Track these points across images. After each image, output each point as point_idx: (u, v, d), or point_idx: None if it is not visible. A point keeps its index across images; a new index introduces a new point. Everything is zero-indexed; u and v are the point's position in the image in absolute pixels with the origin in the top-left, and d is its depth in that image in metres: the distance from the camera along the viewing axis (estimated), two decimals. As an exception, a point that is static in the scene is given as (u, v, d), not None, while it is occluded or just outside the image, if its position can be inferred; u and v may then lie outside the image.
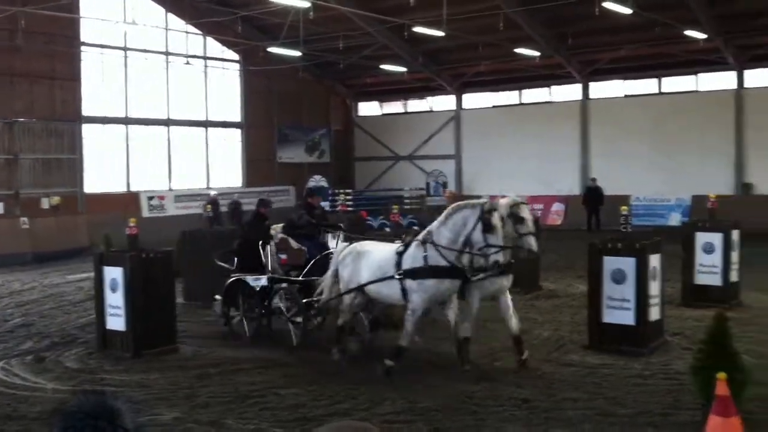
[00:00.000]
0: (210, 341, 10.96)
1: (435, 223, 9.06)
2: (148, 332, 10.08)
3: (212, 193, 27.54)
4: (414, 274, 8.77)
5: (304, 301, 10.35)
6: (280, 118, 32.53)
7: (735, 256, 12.41)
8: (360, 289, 9.35)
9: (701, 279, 12.30)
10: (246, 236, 11.57)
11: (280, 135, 32.81)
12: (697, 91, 28.23)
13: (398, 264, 8.93)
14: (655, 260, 9.74)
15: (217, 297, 11.35)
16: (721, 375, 6.37)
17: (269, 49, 27.35)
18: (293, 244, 11.03)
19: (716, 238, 12.23)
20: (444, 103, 34.23)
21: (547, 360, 9.36)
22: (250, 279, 10.87)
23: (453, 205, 9.31)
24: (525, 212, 9.07)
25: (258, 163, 31.57)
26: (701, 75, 28.08)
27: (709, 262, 12.23)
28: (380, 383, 8.52)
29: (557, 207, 29.54)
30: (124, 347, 10.05)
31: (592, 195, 26.73)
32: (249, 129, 31.79)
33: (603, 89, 30.34)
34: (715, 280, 12.19)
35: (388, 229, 13.61)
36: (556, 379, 8.50)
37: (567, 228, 27.37)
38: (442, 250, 8.71)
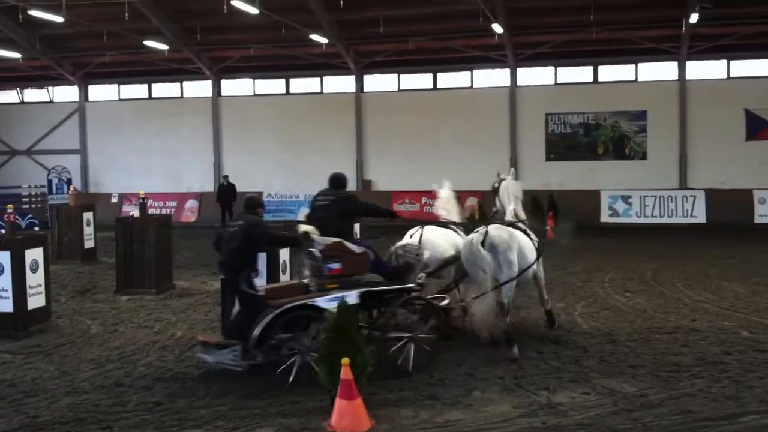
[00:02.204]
0: None
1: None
2: None
3: None
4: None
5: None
6: None
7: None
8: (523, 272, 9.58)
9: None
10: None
11: None
12: (322, 93, 29.92)
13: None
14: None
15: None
16: (345, 360, 6.79)
17: None
18: (352, 247, 8.67)
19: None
20: (67, 94, 32.06)
21: (180, 360, 9.19)
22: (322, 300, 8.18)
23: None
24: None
25: None
26: (326, 78, 29.83)
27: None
28: (-5, 400, 7.70)
29: (191, 204, 29.38)
30: None
31: (225, 192, 26.99)
32: None
33: (234, 87, 30.76)
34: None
35: (2, 231, 12.39)
36: (189, 379, 8.37)
37: (201, 225, 27.37)
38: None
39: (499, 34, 25.18)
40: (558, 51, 26.85)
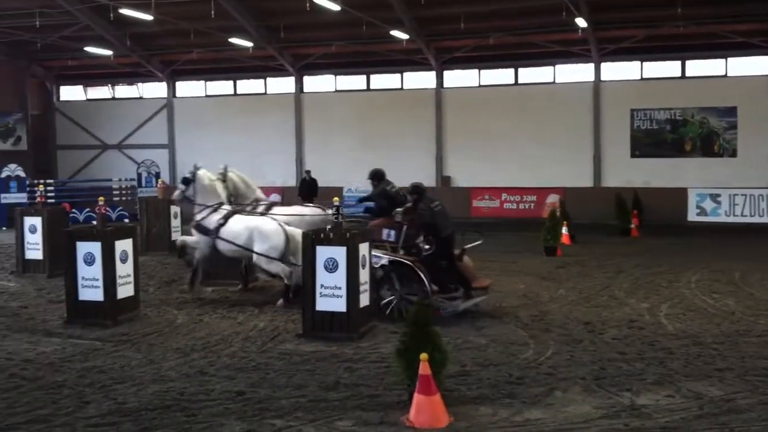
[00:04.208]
0: None
1: None
2: None
3: None
4: None
5: None
6: (-33, 99, 29.23)
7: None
8: None
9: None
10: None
11: (-34, 119, 29.49)
12: (401, 89, 29.97)
13: None
14: (363, 249, 10.15)
15: None
16: (423, 355, 6.80)
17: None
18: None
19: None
20: (155, 90, 32.98)
21: (262, 351, 9.37)
22: None
23: None
24: None
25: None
26: (406, 74, 29.86)
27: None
28: (85, 386, 8.00)
29: (273, 198, 29.78)
30: None
31: (307, 186, 27.31)
32: (-71, 111, 28.21)
33: (316, 83, 31.10)
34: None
35: (94, 222, 12.88)
36: (270, 370, 8.53)
37: (282, 219, 27.76)
38: None
39: (582, 29, 24.73)
40: (643, 45, 26.19)
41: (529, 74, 28.48)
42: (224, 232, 12.41)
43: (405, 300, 10.68)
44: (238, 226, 12.38)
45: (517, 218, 25.83)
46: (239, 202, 13.32)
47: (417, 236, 11.26)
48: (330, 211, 11.74)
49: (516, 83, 28.61)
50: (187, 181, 13.25)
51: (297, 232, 11.74)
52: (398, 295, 10.86)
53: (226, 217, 12.56)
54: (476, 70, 29.02)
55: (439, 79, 29.17)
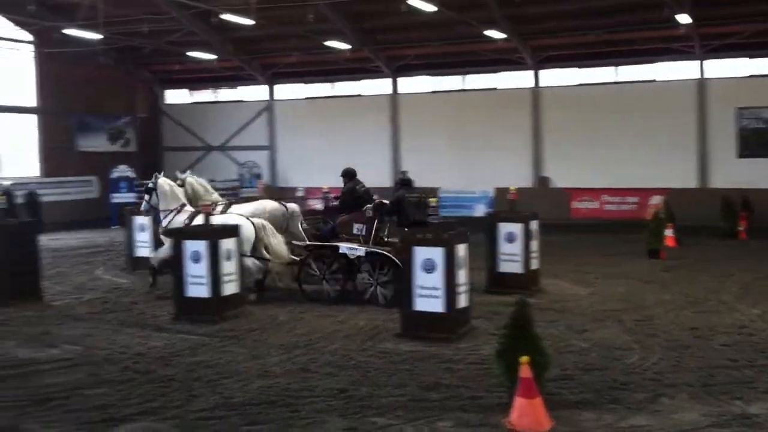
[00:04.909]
0: (5, 342, 10.20)
1: None
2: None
3: (5, 183, 25.55)
4: None
5: None
6: (80, 104, 30.63)
7: (534, 245, 13.18)
8: None
9: (504, 267, 12.96)
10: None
11: (79, 122, 30.96)
12: (497, 89, 29.75)
13: None
14: (461, 250, 10.14)
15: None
16: (524, 358, 6.75)
17: (65, 31, 25.65)
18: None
19: (517, 228, 12.92)
20: (256, 93, 33.80)
21: (362, 349, 9.49)
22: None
23: None
24: None
25: (56, 151, 29.61)
26: (501, 73, 29.64)
27: (511, 251, 12.92)
28: (193, 380, 8.29)
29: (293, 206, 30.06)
30: None
31: (403, 187, 27.43)
32: (45, 115, 29.72)
33: (411, 84, 31.22)
34: (517, 268, 12.89)
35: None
36: (371, 368, 8.63)
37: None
38: None
39: (684, 25, 23.95)
40: (751, 42, 25.14)
41: (630, 72, 27.77)
42: None
43: (381, 285, 12.14)
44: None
45: (619, 220, 25.23)
46: (198, 205, 13.69)
47: (383, 230, 12.85)
48: (291, 206, 14.12)
49: (615, 82, 27.97)
50: (149, 191, 14.16)
51: (264, 223, 13.07)
52: (375, 281, 12.22)
53: (191, 217, 13.31)
54: (574, 69, 28.52)
55: (536, 78, 28.80)
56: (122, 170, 29.10)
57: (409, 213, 12.50)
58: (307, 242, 13.27)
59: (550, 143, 28.46)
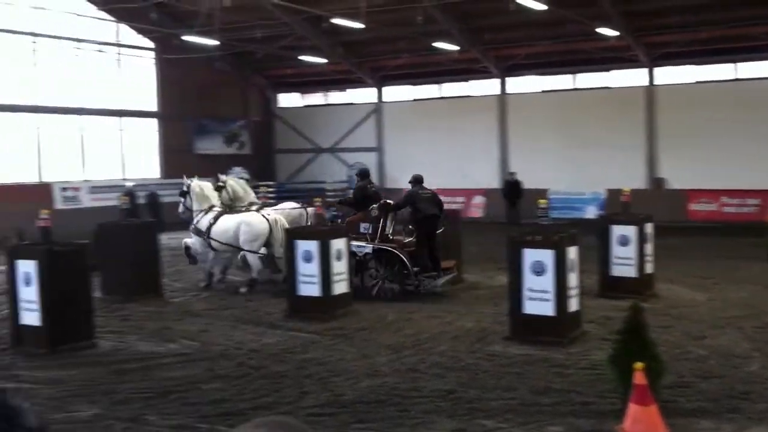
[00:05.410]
0: (128, 336, 10.71)
1: None
2: (64, 327, 9.77)
3: (128, 184, 26.78)
4: None
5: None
6: (197, 108, 31.87)
7: (649, 248, 12.81)
8: None
9: (617, 270, 12.65)
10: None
11: (197, 126, 32.18)
12: (609, 88, 29.03)
13: None
14: (572, 252, 9.97)
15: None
16: (638, 365, 6.57)
17: (184, 38, 26.74)
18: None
19: (631, 231, 12.59)
20: (365, 95, 34.22)
21: (471, 351, 9.48)
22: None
23: None
24: None
25: (175, 154, 30.86)
26: (614, 72, 28.91)
27: (625, 254, 12.59)
28: (304, 376, 8.49)
29: (478, 200, 29.98)
30: (38, 343, 9.70)
31: (512, 188, 27.22)
32: (165, 119, 31.07)
33: (520, 84, 30.88)
34: (630, 272, 12.55)
35: (339, 221, 14.14)
36: (479, 370, 8.61)
37: (487, 220, 27.82)
38: None
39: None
40: None
41: (749, 69, 26.57)
42: (214, 230, 14.08)
43: (388, 281, 12.95)
44: (228, 222, 14.11)
45: (738, 222, 24.18)
46: (237, 205, 15.07)
47: (388, 227, 13.46)
48: (311, 210, 14.56)
49: (735, 79, 26.80)
50: (183, 194, 15.23)
51: (280, 219, 14.10)
52: (381, 278, 12.98)
53: (216, 218, 14.28)
54: (690, 66, 27.50)
55: (650, 76, 27.94)
56: (237, 172, 29.98)
57: (421, 207, 13.28)
58: None
59: (665, 143, 27.54)
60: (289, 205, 15.67)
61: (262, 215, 14.18)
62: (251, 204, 15.24)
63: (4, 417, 1.49)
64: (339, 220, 14.08)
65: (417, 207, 13.31)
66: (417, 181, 14.12)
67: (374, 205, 13.42)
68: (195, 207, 14.85)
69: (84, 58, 28.13)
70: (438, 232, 13.58)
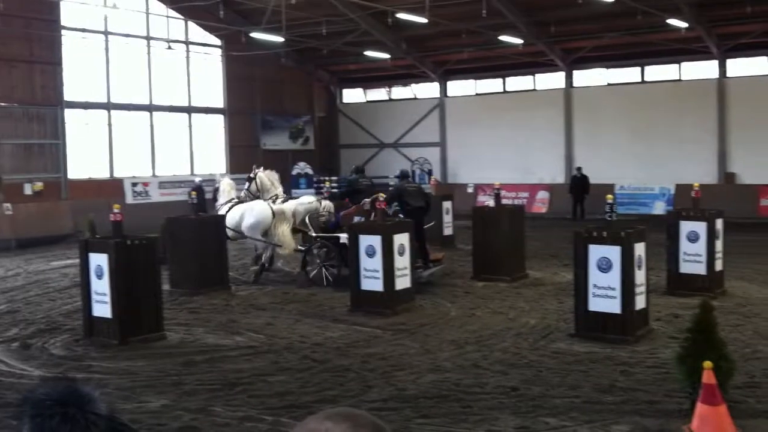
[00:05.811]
0: (195, 329, 10.94)
1: None
2: (135, 319, 10.05)
3: (197, 179, 27.33)
4: None
5: None
6: (263, 104, 32.33)
7: (719, 244, 12.49)
8: None
9: (686, 267, 12.36)
10: None
11: (263, 121, 32.62)
12: (679, 80, 28.36)
13: None
14: (639, 249, 9.80)
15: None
16: (707, 364, 6.43)
17: (251, 35, 27.15)
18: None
19: (700, 227, 12.30)
20: (428, 90, 34.16)
21: (534, 348, 9.41)
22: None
23: None
24: None
25: (242, 149, 31.35)
26: (684, 64, 28.22)
27: (694, 251, 12.30)
28: (367, 371, 8.55)
29: (542, 195, 29.62)
30: (110, 334, 9.99)
31: (578, 184, 26.84)
32: (232, 115, 31.58)
33: (586, 77, 30.40)
34: (700, 269, 12.25)
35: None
36: (543, 367, 8.54)
37: (552, 216, 27.48)
38: None
39: None
40: None
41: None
42: (228, 219, 14.84)
43: (328, 266, 13.85)
44: (235, 211, 15.03)
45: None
46: (263, 197, 15.76)
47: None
48: (324, 203, 15.10)
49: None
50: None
51: (285, 208, 14.80)
52: (321, 264, 13.81)
53: (231, 207, 15.31)
54: (764, 57, 26.64)
55: (722, 68, 27.19)
56: (302, 167, 30.36)
57: (409, 200, 14.08)
58: (314, 234, 14.56)
59: (736, 137, 26.78)
60: (307, 199, 16.25)
61: (268, 204, 14.92)
62: (276, 196, 15.97)
63: (76, 404, 1.55)
64: (401, 216, 14.08)
65: (405, 200, 14.12)
66: (404, 175, 15.12)
67: (366, 200, 13.89)
68: (221, 200, 16.08)
69: (154, 55, 28.80)
70: (426, 227, 14.46)
